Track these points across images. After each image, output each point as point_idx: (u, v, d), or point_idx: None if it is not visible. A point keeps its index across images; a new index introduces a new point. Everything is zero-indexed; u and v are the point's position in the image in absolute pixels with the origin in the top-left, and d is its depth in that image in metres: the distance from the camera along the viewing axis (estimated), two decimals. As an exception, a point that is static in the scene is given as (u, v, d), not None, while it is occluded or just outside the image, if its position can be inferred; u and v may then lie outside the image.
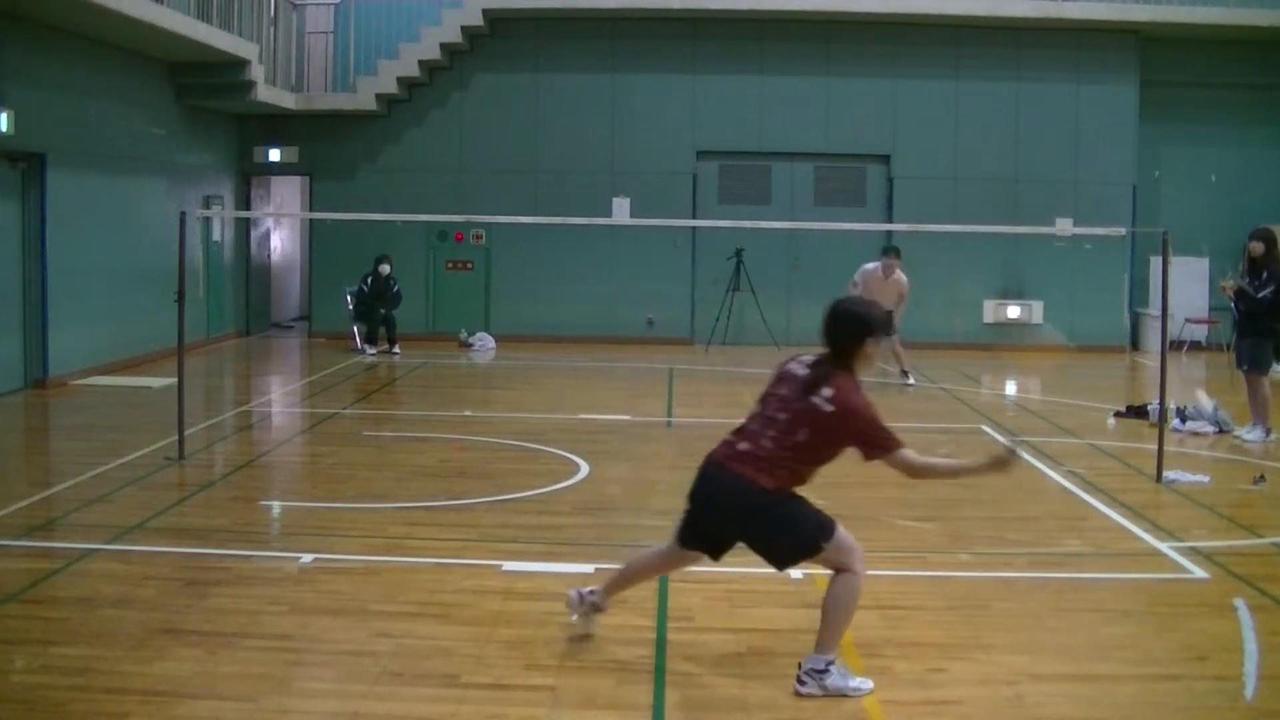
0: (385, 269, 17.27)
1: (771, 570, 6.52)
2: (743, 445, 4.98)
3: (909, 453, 4.88)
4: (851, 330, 4.93)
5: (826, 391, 4.81)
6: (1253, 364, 10.74)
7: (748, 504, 4.90)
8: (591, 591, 5.45)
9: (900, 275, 14.25)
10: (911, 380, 14.21)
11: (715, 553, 5.24)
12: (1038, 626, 5.77)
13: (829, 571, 5.90)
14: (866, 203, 18.73)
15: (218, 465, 9.53)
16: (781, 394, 4.95)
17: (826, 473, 9.79)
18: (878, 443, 4.84)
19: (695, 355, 17.51)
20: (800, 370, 4.95)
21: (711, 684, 4.96)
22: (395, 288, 17.32)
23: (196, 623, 5.54)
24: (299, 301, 21.47)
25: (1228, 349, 17.86)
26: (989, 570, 6.71)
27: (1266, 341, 10.81)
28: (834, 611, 4.86)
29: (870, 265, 14.30)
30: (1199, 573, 6.63)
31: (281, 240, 21.03)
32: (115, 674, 4.90)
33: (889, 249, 14.44)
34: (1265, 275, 10.64)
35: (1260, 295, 10.59)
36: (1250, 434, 10.70)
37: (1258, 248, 10.76)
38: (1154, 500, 8.49)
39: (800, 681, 4.82)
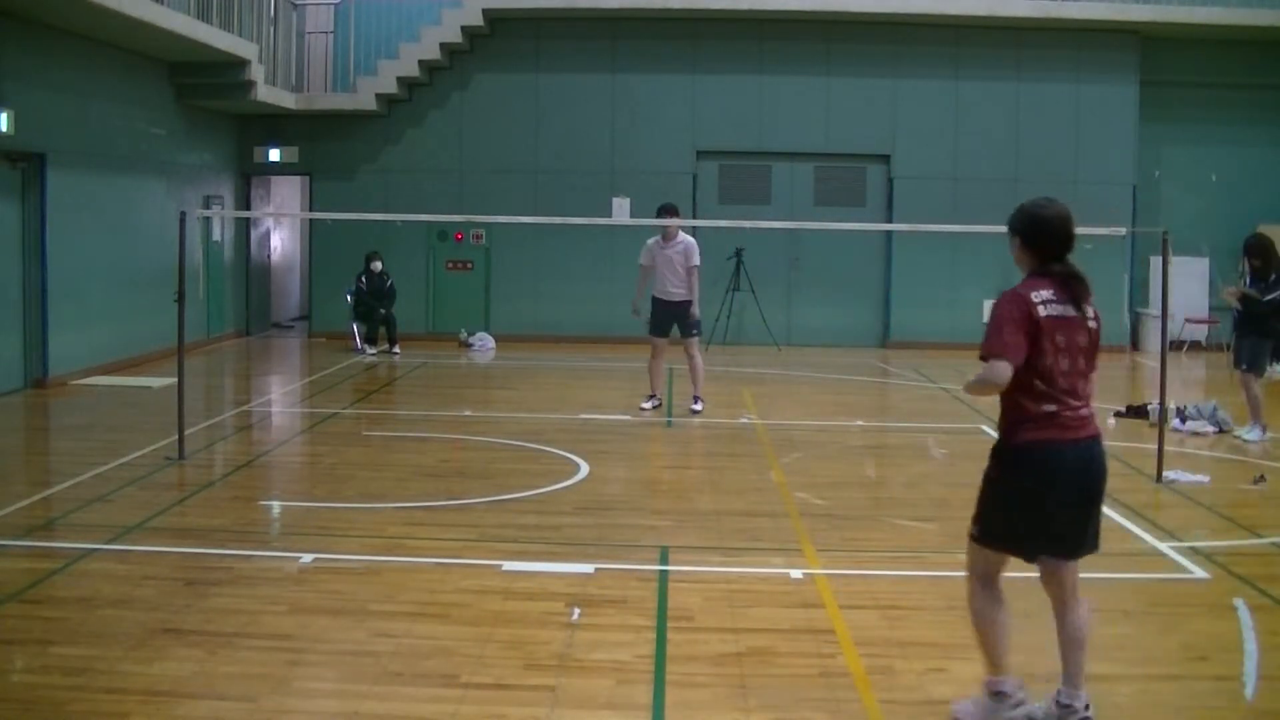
0: (377, 265, 17.30)
1: (771, 570, 6.56)
2: (1085, 410, 4.37)
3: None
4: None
5: (1090, 310, 4.41)
6: (1251, 364, 10.74)
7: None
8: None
9: (684, 238, 11.84)
10: (699, 407, 12.01)
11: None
12: (1038, 626, 5.74)
13: (825, 571, 5.90)
14: (866, 203, 18.73)
15: (218, 465, 9.53)
16: (1066, 344, 4.31)
17: (826, 472, 9.80)
18: None
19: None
20: (1061, 308, 4.32)
21: (711, 684, 4.95)
22: (389, 283, 17.35)
23: (196, 623, 5.54)
24: (299, 301, 21.47)
25: (1228, 349, 17.86)
26: (989, 570, 6.70)
27: (1266, 342, 10.81)
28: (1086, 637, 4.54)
29: (651, 239, 12.00)
30: (1199, 573, 6.63)
31: (281, 240, 21.03)
32: (115, 674, 4.90)
33: (662, 206, 12.14)
34: (1274, 277, 10.60)
35: (1268, 298, 10.53)
36: (1250, 434, 10.70)
37: (1254, 262, 10.80)
38: (1154, 500, 8.49)
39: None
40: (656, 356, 12.12)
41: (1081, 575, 6.72)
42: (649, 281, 12.06)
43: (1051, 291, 4.33)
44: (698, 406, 12.00)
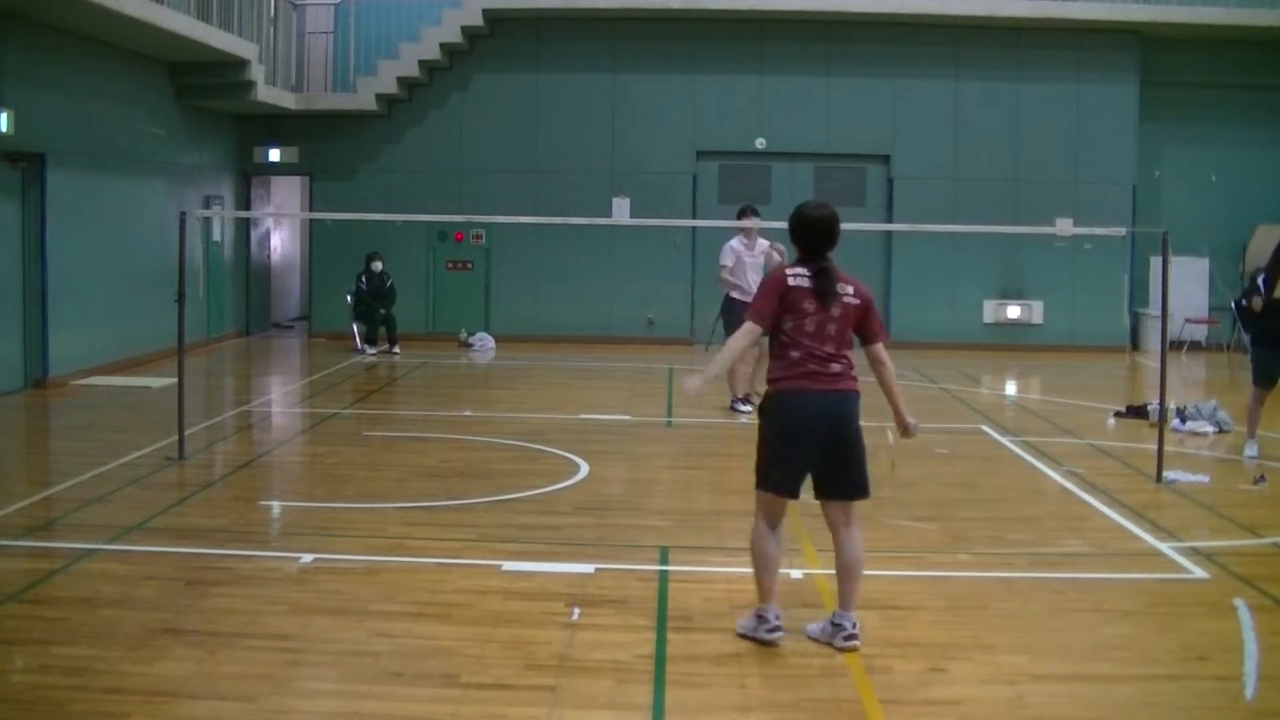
0: (378, 266, 17.32)
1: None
2: (836, 366, 5.30)
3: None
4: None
5: (848, 288, 5.34)
6: None
7: (857, 416, 5.40)
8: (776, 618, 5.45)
9: (764, 243, 11.98)
10: (747, 408, 11.66)
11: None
12: (1038, 626, 5.77)
13: (825, 571, 5.92)
14: (866, 203, 18.73)
15: (218, 465, 9.53)
16: (815, 310, 5.27)
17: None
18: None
19: (695, 355, 17.49)
20: (810, 283, 5.28)
21: (711, 684, 4.95)
22: (389, 283, 17.36)
23: (196, 623, 5.54)
24: (299, 301, 21.47)
25: (1228, 349, 17.87)
26: (989, 570, 6.71)
27: None
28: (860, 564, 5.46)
29: (734, 240, 12.15)
30: (1199, 573, 6.63)
31: (281, 240, 21.03)
32: (115, 674, 4.89)
33: (745, 208, 12.30)
34: None
35: None
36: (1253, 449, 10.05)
37: None
38: (1154, 500, 8.49)
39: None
40: (745, 360, 11.86)
41: (1082, 576, 6.78)
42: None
43: (805, 269, 5.31)
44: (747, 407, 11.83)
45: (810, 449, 5.26)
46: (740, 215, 12.10)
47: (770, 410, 5.35)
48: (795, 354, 5.25)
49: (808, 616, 5.78)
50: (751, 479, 9.23)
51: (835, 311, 5.28)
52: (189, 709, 4.62)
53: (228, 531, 7.26)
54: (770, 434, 5.32)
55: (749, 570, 6.54)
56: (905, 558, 6.89)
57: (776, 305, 5.26)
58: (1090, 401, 13.19)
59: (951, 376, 15.28)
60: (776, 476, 5.31)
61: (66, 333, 13.28)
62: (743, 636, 5.42)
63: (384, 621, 5.61)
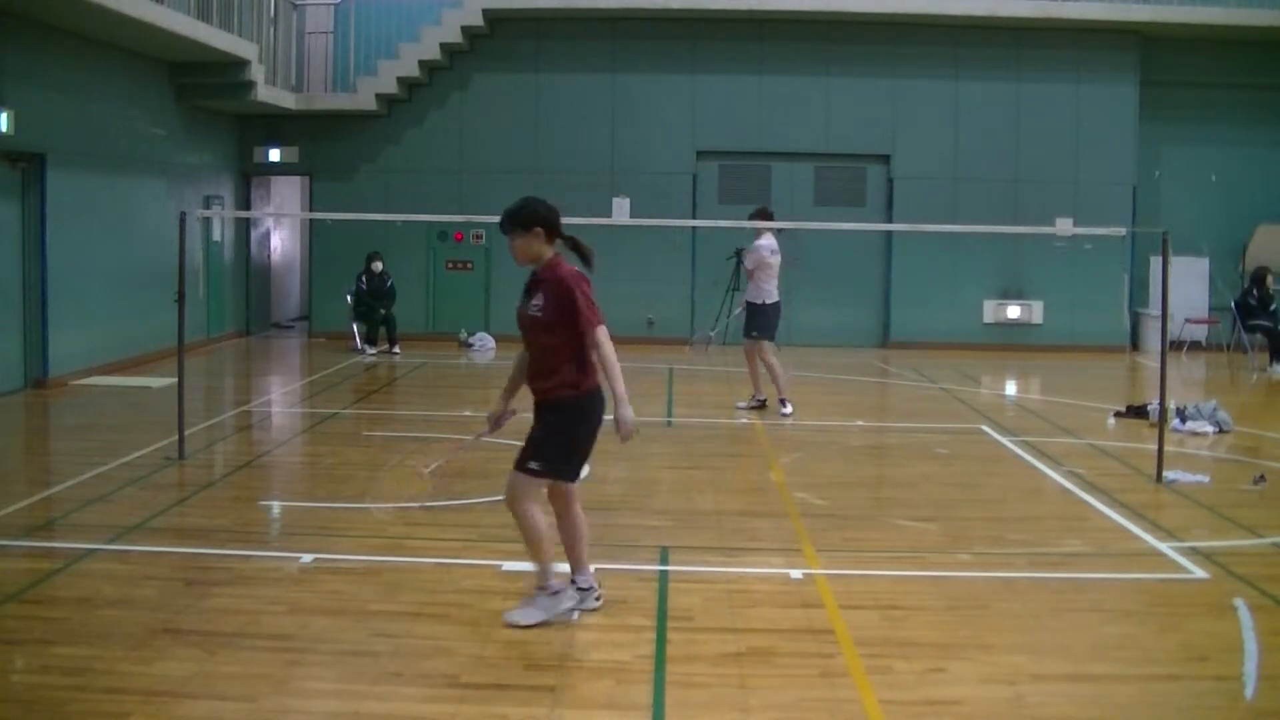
0: (378, 266, 17.32)
1: (771, 570, 6.57)
2: None
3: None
4: None
5: None
6: None
7: None
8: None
9: (763, 240, 12.03)
10: (788, 409, 11.80)
11: None
12: (1038, 626, 5.77)
13: (825, 571, 5.96)
14: (866, 203, 18.73)
15: (218, 465, 9.52)
16: None
17: (828, 474, 9.80)
18: None
19: (695, 355, 17.50)
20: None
21: (711, 684, 4.96)
22: (389, 283, 17.37)
23: (196, 623, 5.54)
24: (299, 301, 21.47)
25: (1228, 349, 17.88)
26: (989, 570, 6.70)
27: None
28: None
29: (775, 241, 12.23)
30: (1199, 573, 6.63)
31: (281, 240, 21.03)
32: (115, 674, 4.89)
33: (762, 210, 12.47)
34: None
35: None
36: None
37: None
38: (1154, 500, 8.49)
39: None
40: (774, 355, 11.96)
41: (1082, 576, 6.78)
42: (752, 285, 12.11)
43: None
44: (788, 409, 11.77)
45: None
46: (763, 217, 12.14)
47: (587, 410, 5.69)
48: (593, 356, 5.66)
49: (806, 617, 5.79)
50: (751, 478, 9.23)
51: None
52: (189, 709, 4.62)
53: (228, 531, 7.26)
54: (583, 430, 5.69)
55: (749, 570, 6.57)
56: (905, 558, 6.89)
57: None
58: (1090, 401, 13.19)
59: (951, 376, 15.28)
60: (576, 466, 5.72)
61: (66, 333, 13.28)
62: (537, 625, 5.50)
63: (384, 621, 5.61)
